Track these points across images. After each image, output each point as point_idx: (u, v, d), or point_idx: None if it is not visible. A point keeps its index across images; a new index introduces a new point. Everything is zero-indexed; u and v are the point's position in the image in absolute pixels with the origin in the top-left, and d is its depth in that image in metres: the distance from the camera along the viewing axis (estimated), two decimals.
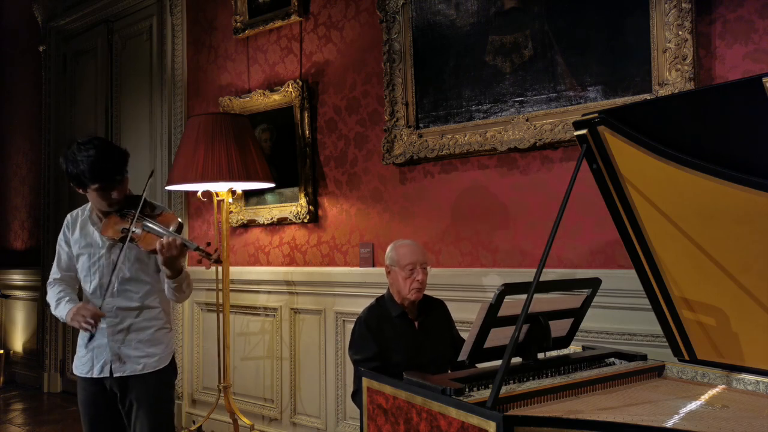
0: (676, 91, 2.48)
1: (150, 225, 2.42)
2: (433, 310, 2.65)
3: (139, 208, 2.44)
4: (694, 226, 1.85)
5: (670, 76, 2.52)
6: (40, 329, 5.86)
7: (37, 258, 5.87)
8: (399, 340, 2.52)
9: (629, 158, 1.88)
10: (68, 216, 2.66)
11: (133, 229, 2.40)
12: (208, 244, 2.42)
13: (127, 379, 2.52)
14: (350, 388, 3.15)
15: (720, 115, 1.67)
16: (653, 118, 1.84)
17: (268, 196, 4.03)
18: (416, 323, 2.58)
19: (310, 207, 3.80)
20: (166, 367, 2.59)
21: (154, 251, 2.38)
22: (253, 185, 3.75)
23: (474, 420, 1.58)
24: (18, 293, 6.22)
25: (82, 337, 2.57)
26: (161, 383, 2.58)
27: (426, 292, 2.74)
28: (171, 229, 2.41)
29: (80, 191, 2.47)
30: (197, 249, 2.36)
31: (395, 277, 2.55)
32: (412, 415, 1.79)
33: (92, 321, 2.38)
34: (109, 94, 5.32)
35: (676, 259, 1.95)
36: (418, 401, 1.77)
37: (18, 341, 6.26)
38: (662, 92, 2.53)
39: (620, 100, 2.64)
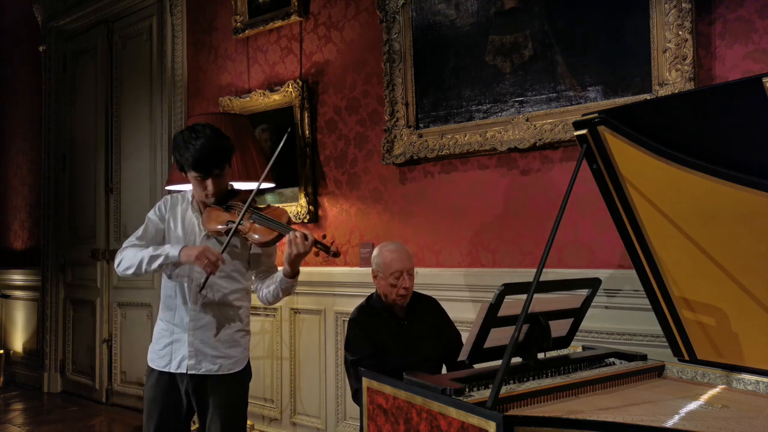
0: (676, 91, 2.48)
1: (261, 217, 2.33)
2: (422, 308, 2.65)
3: (249, 200, 2.34)
4: (694, 226, 1.85)
5: (670, 76, 2.52)
6: (40, 329, 5.85)
7: (37, 258, 5.87)
8: (390, 340, 2.53)
9: (629, 158, 1.88)
10: (168, 196, 2.58)
11: (242, 222, 2.30)
12: (324, 236, 2.34)
13: (203, 380, 2.45)
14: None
15: (720, 115, 1.66)
16: (653, 118, 1.84)
17: (268, 196, 4.02)
18: (405, 322, 2.59)
19: (310, 207, 3.80)
20: (242, 371, 2.52)
21: (266, 244, 2.31)
22: (253, 185, 3.74)
23: (474, 420, 1.58)
24: (18, 293, 6.22)
25: (160, 329, 2.51)
26: (237, 386, 2.51)
27: (426, 292, 2.75)
28: (283, 222, 2.33)
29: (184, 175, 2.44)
30: (316, 243, 2.29)
31: (381, 282, 2.57)
32: (412, 415, 1.79)
33: (216, 263, 2.27)
34: (109, 94, 5.32)
35: (676, 259, 1.95)
36: (418, 401, 1.77)
37: (18, 341, 6.26)
38: (662, 92, 2.53)
39: (620, 100, 2.64)
